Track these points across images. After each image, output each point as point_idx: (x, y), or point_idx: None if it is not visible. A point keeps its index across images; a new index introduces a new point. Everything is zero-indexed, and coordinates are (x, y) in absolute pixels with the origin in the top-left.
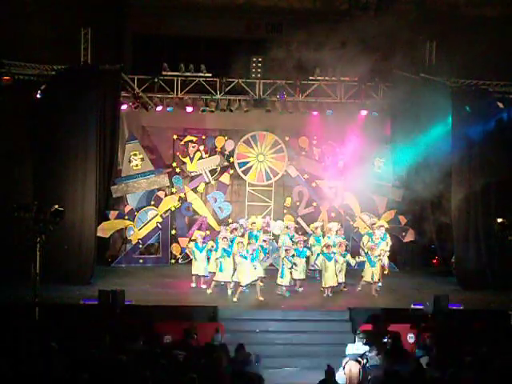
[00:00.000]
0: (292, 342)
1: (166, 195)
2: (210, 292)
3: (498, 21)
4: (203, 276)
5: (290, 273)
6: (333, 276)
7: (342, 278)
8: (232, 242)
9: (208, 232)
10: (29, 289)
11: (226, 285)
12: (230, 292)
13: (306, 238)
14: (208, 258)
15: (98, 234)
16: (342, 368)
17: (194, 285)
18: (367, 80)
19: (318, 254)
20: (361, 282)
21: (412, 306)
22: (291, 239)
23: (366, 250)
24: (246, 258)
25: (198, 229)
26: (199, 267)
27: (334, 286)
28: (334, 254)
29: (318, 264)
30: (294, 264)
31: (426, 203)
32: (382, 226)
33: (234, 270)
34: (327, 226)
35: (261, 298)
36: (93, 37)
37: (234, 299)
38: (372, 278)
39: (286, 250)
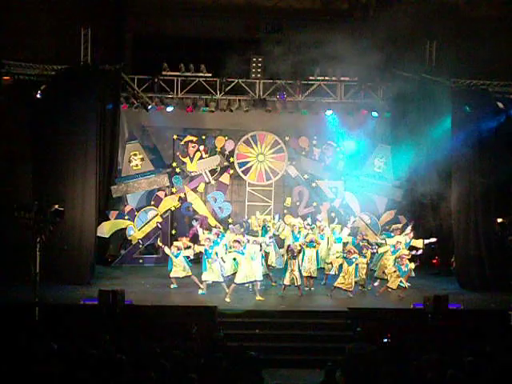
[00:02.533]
0: (292, 342)
1: (165, 195)
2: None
3: (498, 21)
4: (184, 277)
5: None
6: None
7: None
8: (214, 243)
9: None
10: (29, 289)
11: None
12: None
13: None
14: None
15: (98, 234)
16: None
17: (175, 286)
18: (367, 80)
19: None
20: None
21: (412, 306)
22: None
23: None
24: (242, 253)
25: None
26: (177, 271)
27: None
28: (356, 259)
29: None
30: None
31: (426, 203)
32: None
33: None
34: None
35: (260, 298)
36: (93, 37)
37: (227, 299)
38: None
39: (289, 251)
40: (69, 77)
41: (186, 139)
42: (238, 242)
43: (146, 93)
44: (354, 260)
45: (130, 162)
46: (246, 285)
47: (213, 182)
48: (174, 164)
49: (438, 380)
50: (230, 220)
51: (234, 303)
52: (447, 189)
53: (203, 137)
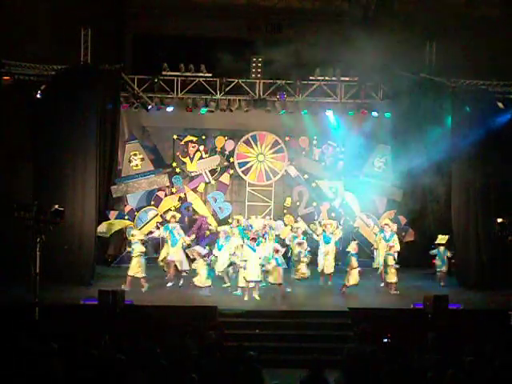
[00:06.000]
0: (292, 342)
1: (165, 195)
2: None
3: (498, 21)
4: None
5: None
6: None
7: None
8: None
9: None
10: (29, 289)
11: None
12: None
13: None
14: None
15: (98, 234)
16: None
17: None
18: (367, 80)
19: None
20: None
21: (412, 306)
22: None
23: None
24: (254, 250)
25: (198, 229)
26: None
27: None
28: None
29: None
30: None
31: (425, 203)
32: (387, 224)
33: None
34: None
35: (258, 298)
36: (93, 37)
37: (245, 298)
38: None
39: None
40: (69, 77)
41: (186, 139)
42: (255, 239)
43: (146, 93)
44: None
45: (130, 161)
46: (252, 283)
47: (213, 181)
48: (174, 164)
49: (438, 380)
50: (230, 220)
51: (234, 303)
52: (447, 189)
53: (203, 137)
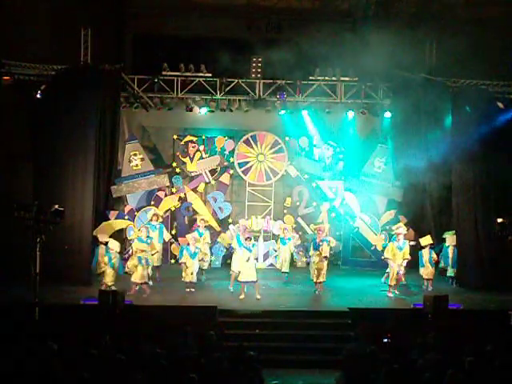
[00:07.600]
0: (292, 342)
1: (165, 195)
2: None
3: (498, 21)
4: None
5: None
6: None
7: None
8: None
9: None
10: (29, 289)
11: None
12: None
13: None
14: None
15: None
16: None
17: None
18: (367, 80)
19: None
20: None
21: (412, 306)
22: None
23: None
24: (250, 250)
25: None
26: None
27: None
28: None
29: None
30: None
31: (425, 203)
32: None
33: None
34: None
35: (258, 297)
36: (93, 37)
37: (241, 296)
38: None
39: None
40: (69, 77)
41: (185, 139)
42: (250, 238)
43: (146, 93)
44: None
45: (130, 162)
46: (249, 284)
47: (213, 182)
48: (174, 164)
49: (438, 380)
50: (229, 220)
51: (234, 303)
52: (447, 189)
53: (203, 137)
